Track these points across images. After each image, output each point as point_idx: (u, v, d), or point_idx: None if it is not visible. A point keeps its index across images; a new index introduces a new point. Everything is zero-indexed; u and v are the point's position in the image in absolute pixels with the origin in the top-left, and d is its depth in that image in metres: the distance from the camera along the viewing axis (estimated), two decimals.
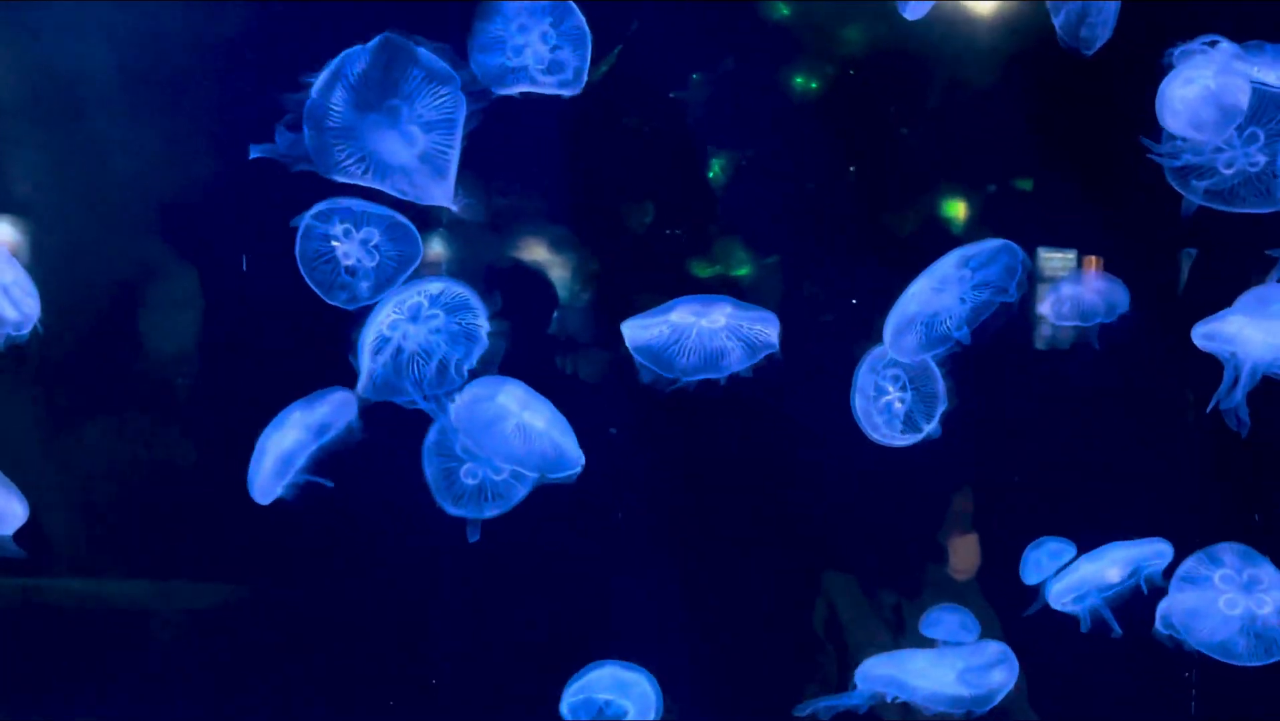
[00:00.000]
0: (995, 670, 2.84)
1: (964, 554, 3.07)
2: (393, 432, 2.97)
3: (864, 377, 2.90)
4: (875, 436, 2.87)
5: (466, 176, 2.94)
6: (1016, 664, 2.84)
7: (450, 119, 2.68)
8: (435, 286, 2.78)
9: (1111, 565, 2.84)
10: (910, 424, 2.88)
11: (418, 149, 2.69)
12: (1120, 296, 2.99)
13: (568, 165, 3.14)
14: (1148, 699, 3.07)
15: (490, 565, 3.10)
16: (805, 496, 3.15)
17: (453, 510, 2.89)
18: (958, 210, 3.15)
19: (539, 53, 2.75)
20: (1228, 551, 2.79)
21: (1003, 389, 3.16)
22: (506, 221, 3.14)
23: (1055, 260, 3.12)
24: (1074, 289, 3.03)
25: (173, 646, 3.24)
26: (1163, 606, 2.81)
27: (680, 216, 3.20)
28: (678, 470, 3.21)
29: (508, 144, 3.01)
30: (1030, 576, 2.93)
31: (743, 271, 3.22)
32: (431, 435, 2.91)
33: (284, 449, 2.81)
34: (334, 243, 2.78)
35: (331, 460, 2.97)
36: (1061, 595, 2.85)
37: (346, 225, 2.77)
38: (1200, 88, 2.55)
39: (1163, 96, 2.58)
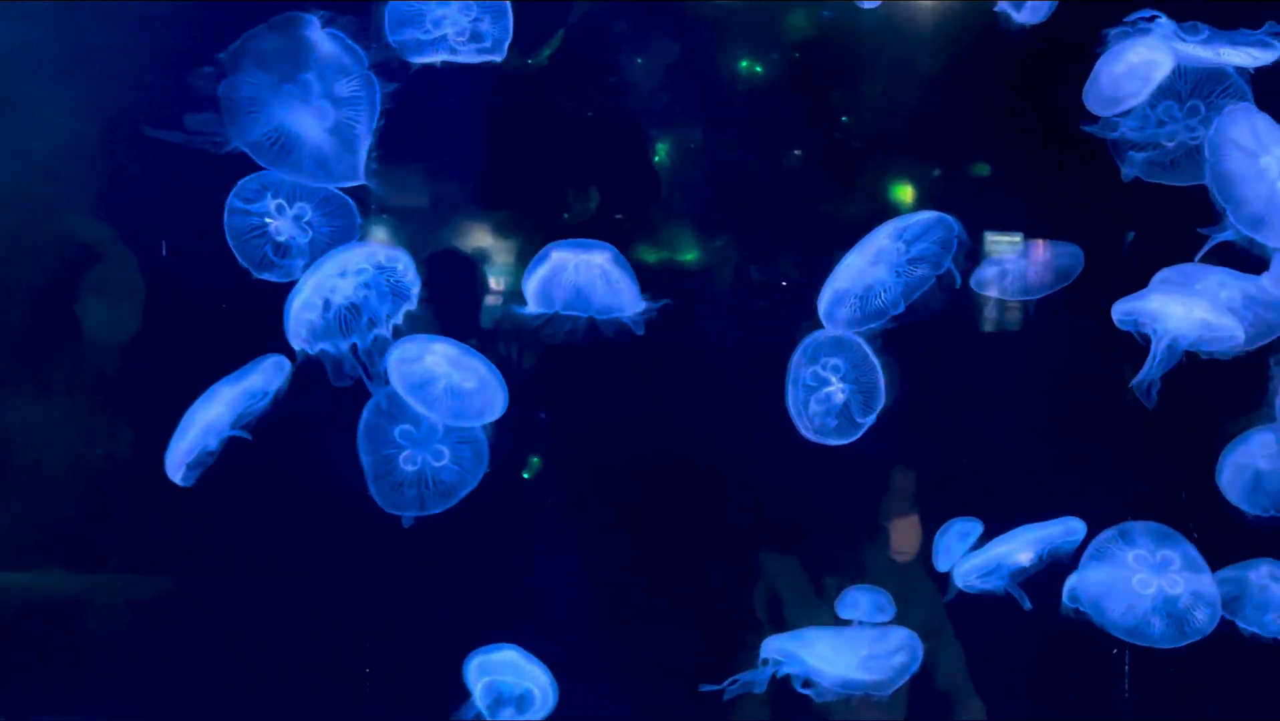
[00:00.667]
0: (897, 656, 2.88)
1: (905, 535, 3.08)
2: (327, 418, 2.99)
3: (802, 370, 2.92)
4: (808, 434, 2.90)
5: (410, 162, 3.00)
6: (920, 651, 2.88)
7: (359, 95, 2.69)
8: (366, 248, 2.78)
9: (1024, 547, 2.88)
10: (846, 417, 2.89)
11: (328, 122, 2.67)
12: (1072, 262, 3.02)
13: (513, 151, 3.14)
14: (1084, 675, 3.10)
15: (423, 551, 3.08)
16: (746, 477, 3.16)
17: (392, 497, 2.88)
18: (905, 194, 3.16)
19: (458, 23, 2.73)
20: (1141, 531, 2.85)
21: (944, 369, 3.18)
22: (450, 208, 3.13)
23: (1002, 243, 3.15)
24: (1018, 262, 3.05)
25: (108, 639, 3.23)
26: (1072, 581, 2.86)
27: (626, 202, 3.20)
28: (617, 455, 3.22)
29: (452, 130, 3.05)
30: (942, 563, 2.97)
31: (690, 256, 3.23)
32: (366, 420, 2.89)
33: (208, 421, 2.80)
34: (267, 219, 2.76)
35: (267, 452, 3.00)
36: (969, 575, 2.89)
37: (279, 201, 2.76)
38: (1125, 64, 2.68)
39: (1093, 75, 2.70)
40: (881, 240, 2.80)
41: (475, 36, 2.77)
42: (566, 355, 3.18)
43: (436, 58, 2.78)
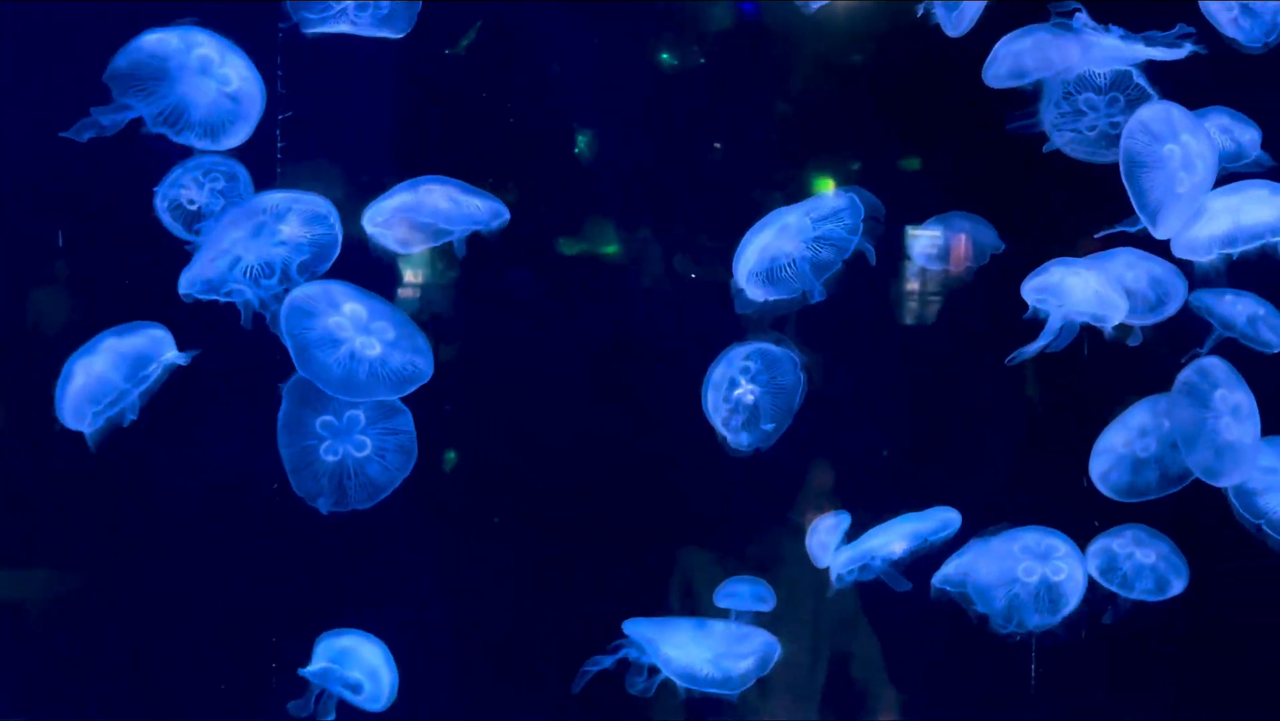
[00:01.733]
0: (747, 660, 2.91)
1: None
2: (247, 412, 2.96)
3: (719, 371, 2.95)
4: (723, 432, 2.92)
5: (326, 154, 3.00)
6: (775, 656, 2.93)
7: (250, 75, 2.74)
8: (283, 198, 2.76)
9: (898, 538, 2.93)
10: (754, 417, 2.93)
11: (229, 89, 2.71)
12: (990, 237, 3.06)
13: (432, 144, 3.12)
14: (994, 664, 3.16)
15: (338, 544, 3.06)
16: (665, 472, 3.17)
17: (312, 489, 2.84)
18: (827, 186, 3.18)
19: None
20: (1030, 523, 2.96)
21: (862, 363, 3.23)
22: (368, 200, 3.07)
23: (923, 238, 3.19)
24: (938, 227, 3.10)
25: (27, 636, 3.17)
26: (952, 567, 2.94)
27: (546, 193, 3.19)
28: (535, 451, 3.21)
29: (374, 123, 3.05)
30: (820, 560, 3.00)
31: (610, 249, 3.22)
32: (286, 413, 2.85)
33: (94, 373, 2.76)
34: (185, 193, 2.77)
35: (188, 447, 2.94)
36: (846, 565, 2.94)
37: (194, 174, 2.77)
38: (1023, 44, 2.78)
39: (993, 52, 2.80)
40: (790, 215, 2.83)
41: (375, 8, 2.77)
42: (485, 345, 3.21)
43: (336, 28, 2.78)
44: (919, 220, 3.16)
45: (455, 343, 3.20)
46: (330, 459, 2.86)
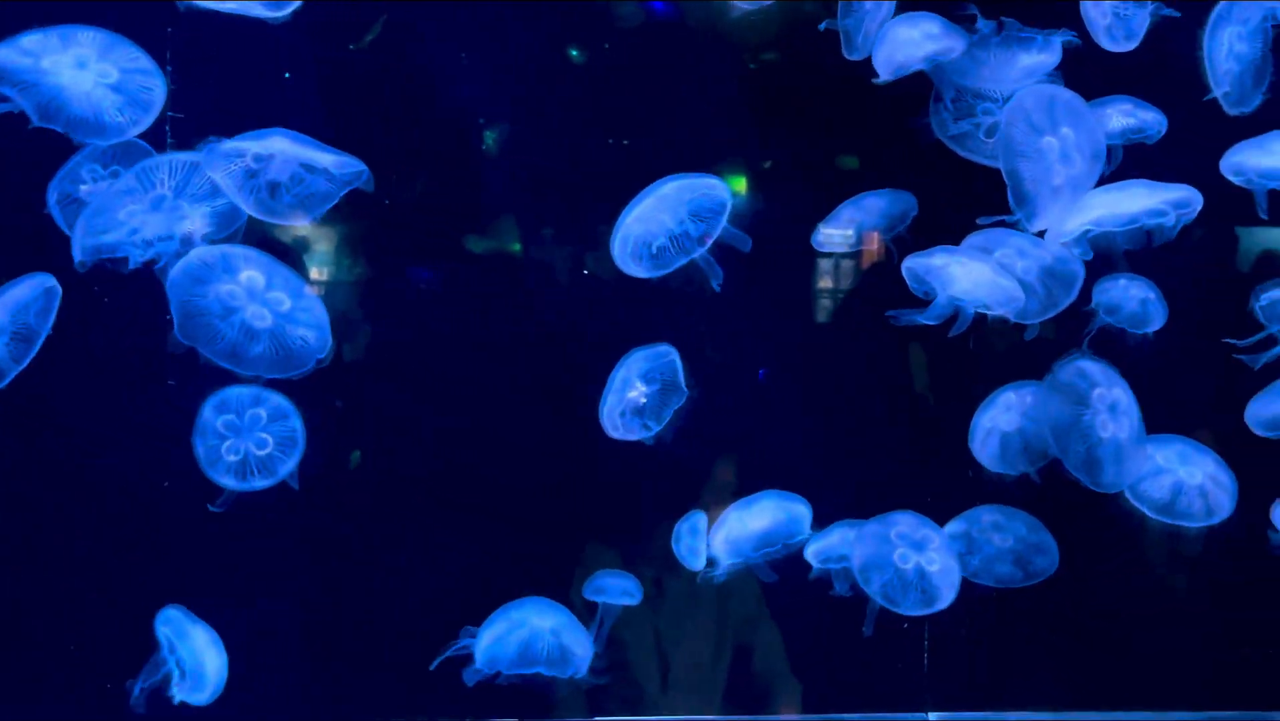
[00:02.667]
0: (578, 645, 2.96)
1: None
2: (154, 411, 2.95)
3: (617, 372, 2.96)
4: (613, 432, 2.94)
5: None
6: (589, 655, 2.97)
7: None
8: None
9: (757, 517, 3.00)
10: (650, 417, 2.94)
11: (109, 80, 2.69)
12: (900, 207, 3.09)
13: (335, 137, 2.99)
14: (890, 652, 3.23)
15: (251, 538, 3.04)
16: (566, 469, 3.16)
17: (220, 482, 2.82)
18: (739, 184, 3.20)
19: None
20: (903, 512, 3.03)
21: (763, 357, 3.26)
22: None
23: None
24: (852, 211, 3.12)
25: None
26: (828, 544, 3.01)
27: (452, 189, 3.17)
28: (436, 447, 3.19)
29: (278, 118, 2.93)
30: (691, 562, 3.04)
31: (517, 246, 3.22)
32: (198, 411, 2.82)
33: None
34: (83, 186, 2.71)
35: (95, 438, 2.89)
36: (721, 548, 2.99)
37: (91, 167, 2.74)
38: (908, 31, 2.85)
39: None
40: (667, 191, 2.84)
41: None
42: (391, 342, 3.18)
43: (222, 6, 2.77)
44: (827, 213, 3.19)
45: (360, 340, 3.17)
46: (232, 458, 2.83)
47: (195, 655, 2.86)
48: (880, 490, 3.12)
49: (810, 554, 3.04)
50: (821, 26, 2.92)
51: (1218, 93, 2.90)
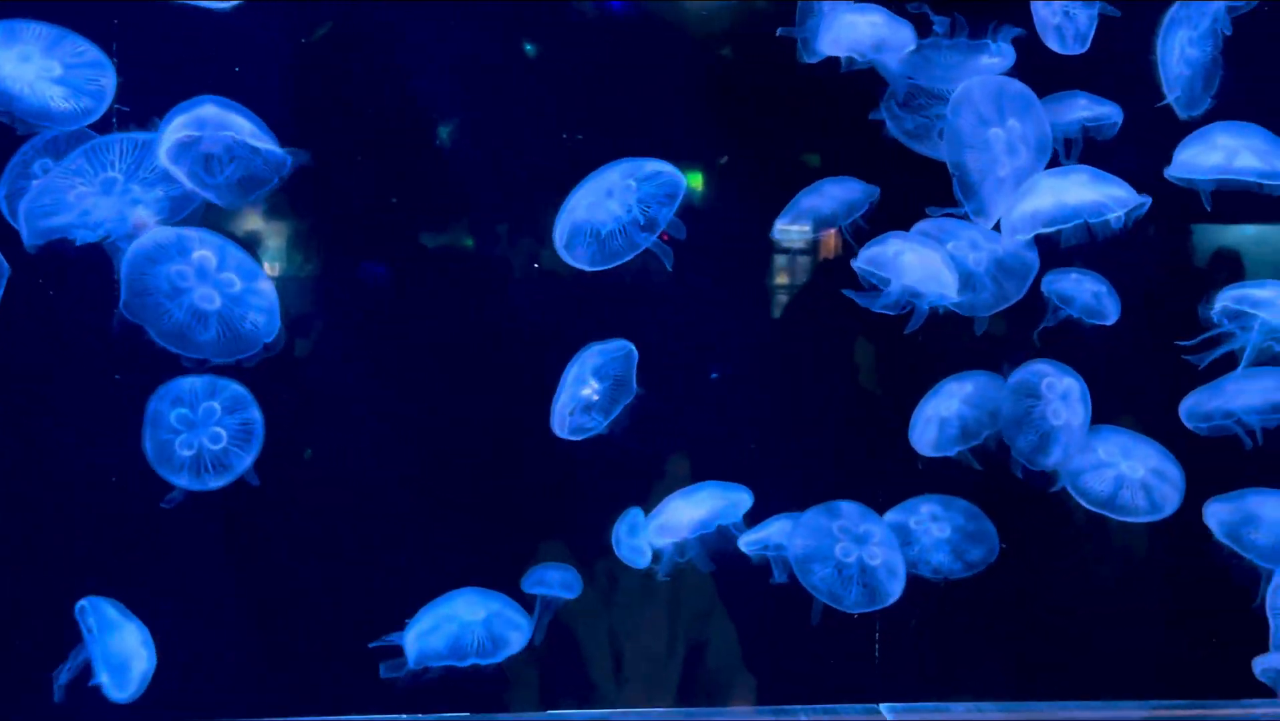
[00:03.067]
0: (515, 630, 2.96)
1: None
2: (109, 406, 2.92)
3: (570, 369, 2.94)
4: (560, 431, 2.93)
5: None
6: (526, 639, 2.96)
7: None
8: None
9: (694, 507, 2.99)
10: (599, 413, 2.95)
11: (53, 75, 2.68)
12: (857, 195, 3.07)
13: (291, 132, 2.98)
14: (842, 645, 3.24)
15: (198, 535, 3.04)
16: (521, 462, 3.16)
17: (174, 480, 2.80)
18: (695, 181, 3.21)
19: None
20: (845, 505, 3.03)
21: (718, 352, 3.26)
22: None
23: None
24: (812, 199, 3.11)
25: None
26: (767, 533, 3.01)
27: (406, 185, 3.15)
28: (394, 443, 3.18)
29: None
30: (636, 562, 3.04)
31: (470, 242, 3.21)
32: (151, 406, 2.79)
33: None
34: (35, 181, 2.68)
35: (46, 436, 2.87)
36: (658, 534, 2.99)
37: (45, 161, 2.72)
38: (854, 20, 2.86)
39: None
40: (614, 176, 2.84)
41: None
42: (343, 339, 3.17)
43: None
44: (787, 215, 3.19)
45: (313, 336, 3.15)
46: (186, 453, 2.81)
47: (121, 650, 2.83)
48: (829, 483, 3.13)
49: (746, 543, 3.03)
50: (779, 32, 2.93)
51: (1171, 98, 2.94)
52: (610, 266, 2.88)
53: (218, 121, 2.65)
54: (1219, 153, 2.88)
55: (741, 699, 3.28)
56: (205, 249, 2.69)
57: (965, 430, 3.03)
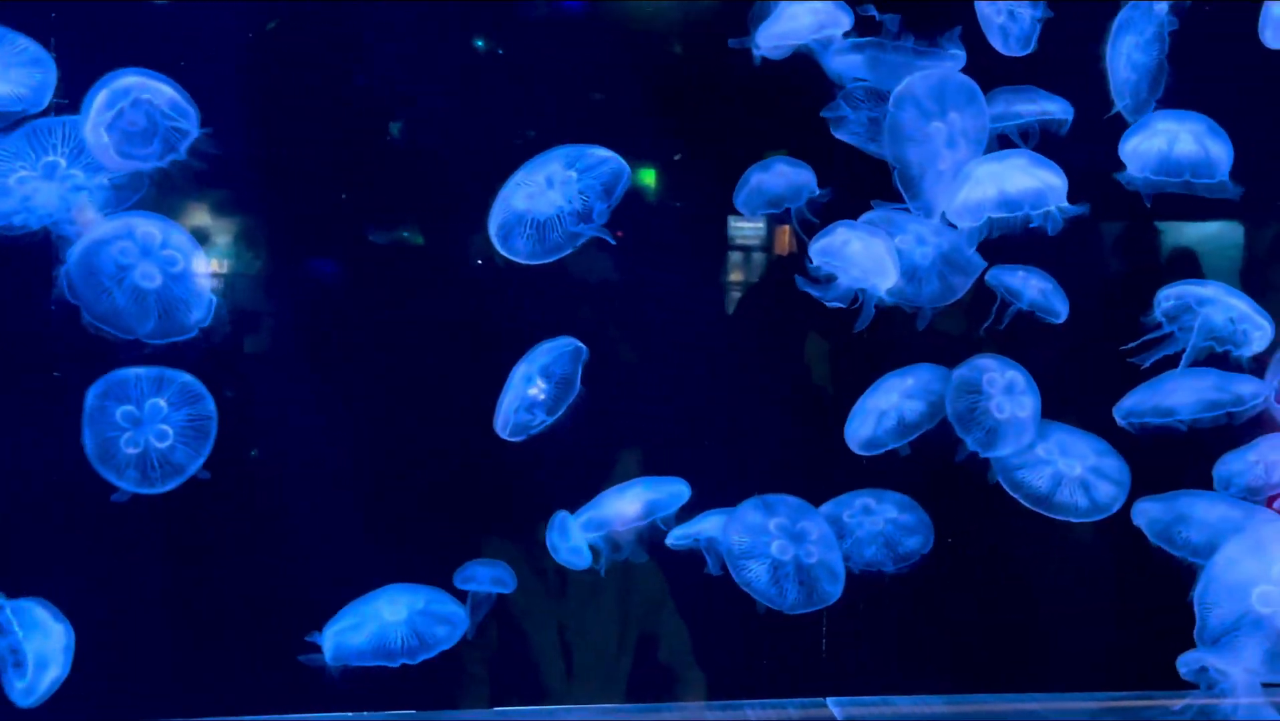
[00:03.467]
0: (444, 625, 2.92)
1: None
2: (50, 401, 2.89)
3: (515, 370, 2.94)
4: (502, 432, 2.92)
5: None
6: (461, 631, 2.92)
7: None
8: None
9: (632, 502, 2.97)
10: (542, 410, 2.93)
11: None
12: (808, 178, 3.05)
13: (238, 128, 3.03)
14: (790, 640, 3.28)
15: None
16: (467, 460, 3.15)
17: (119, 480, 2.76)
18: (648, 177, 3.22)
19: None
20: (782, 502, 2.99)
21: (670, 350, 3.28)
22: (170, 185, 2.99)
23: (746, 228, 3.24)
24: (760, 175, 3.08)
25: None
26: (699, 528, 3.00)
27: (356, 181, 3.15)
28: (342, 440, 3.18)
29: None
30: (577, 563, 3.02)
31: (420, 239, 3.21)
32: (90, 402, 2.76)
33: None
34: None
35: None
36: (588, 527, 2.97)
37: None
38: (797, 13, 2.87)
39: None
40: (553, 164, 2.80)
41: None
42: (292, 335, 3.17)
43: None
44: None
45: (262, 333, 3.16)
46: (131, 451, 2.78)
47: (41, 653, 2.77)
48: (776, 480, 3.10)
49: (673, 537, 3.00)
50: (731, 44, 2.93)
51: (1120, 105, 2.97)
52: (550, 260, 2.85)
53: (140, 86, 2.63)
54: (1161, 138, 2.92)
55: (690, 694, 3.29)
56: (150, 225, 2.68)
57: (904, 424, 3.03)
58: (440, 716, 3.12)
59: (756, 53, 2.90)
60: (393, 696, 3.05)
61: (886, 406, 3.04)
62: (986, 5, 2.90)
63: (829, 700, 3.26)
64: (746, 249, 3.31)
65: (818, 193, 3.02)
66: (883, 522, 3.07)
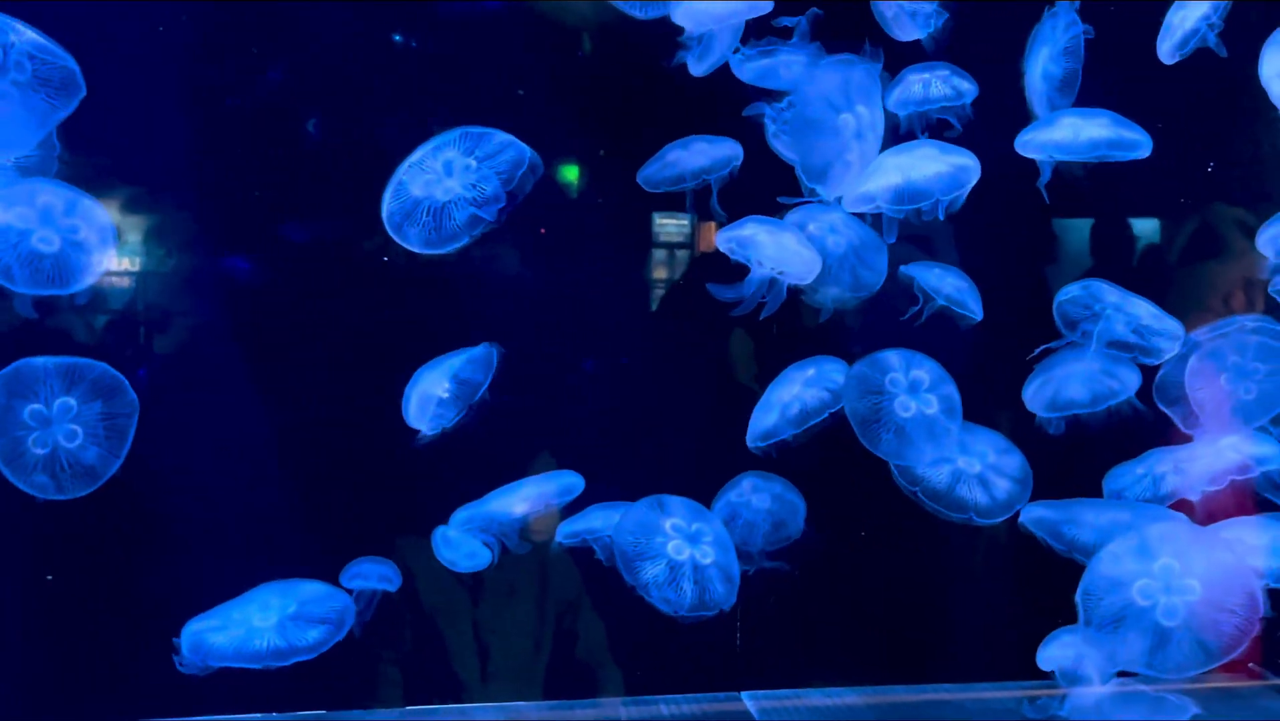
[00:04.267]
0: (315, 629, 2.87)
1: (540, 518, 3.07)
2: None
3: (425, 370, 2.92)
4: (416, 427, 2.90)
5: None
6: (346, 628, 2.88)
7: None
8: None
9: (521, 500, 2.94)
10: (452, 409, 2.91)
11: None
12: (732, 150, 3.02)
13: (147, 126, 3.02)
14: (702, 633, 3.17)
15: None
16: (374, 460, 3.12)
17: (26, 481, 2.71)
18: (572, 174, 3.21)
19: None
20: (677, 502, 2.94)
21: (586, 345, 3.26)
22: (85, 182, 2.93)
23: (671, 225, 3.23)
24: (678, 152, 3.04)
25: None
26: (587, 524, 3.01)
27: (269, 178, 3.11)
28: (253, 442, 3.16)
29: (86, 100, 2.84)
30: (476, 564, 3.00)
31: (334, 236, 3.17)
32: None
33: None
34: None
35: None
36: (466, 522, 2.94)
37: None
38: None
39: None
40: (451, 151, 2.73)
41: None
42: (195, 336, 3.13)
43: None
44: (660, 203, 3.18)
45: (172, 331, 3.11)
46: (40, 451, 2.74)
47: None
48: (688, 480, 3.09)
49: (563, 534, 2.99)
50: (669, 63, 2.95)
51: (1038, 115, 3.01)
52: (446, 250, 2.79)
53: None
54: (1066, 130, 2.94)
55: (607, 691, 3.29)
56: (52, 193, 2.65)
57: (805, 412, 3.01)
58: (351, 716, 3.10)
59: (691, 65, 2.94)
60: (303, 696, 3.03)
61: (789, 398, 3.03)
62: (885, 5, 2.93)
63: (743, 694, 3.28)
64: (670, 245, 3.29)
65: (738, 163, 3.00)
66: (769, 500, 3.07)
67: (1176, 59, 2.96)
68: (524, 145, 2.75)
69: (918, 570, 3.39)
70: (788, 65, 2.95)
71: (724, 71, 2.98)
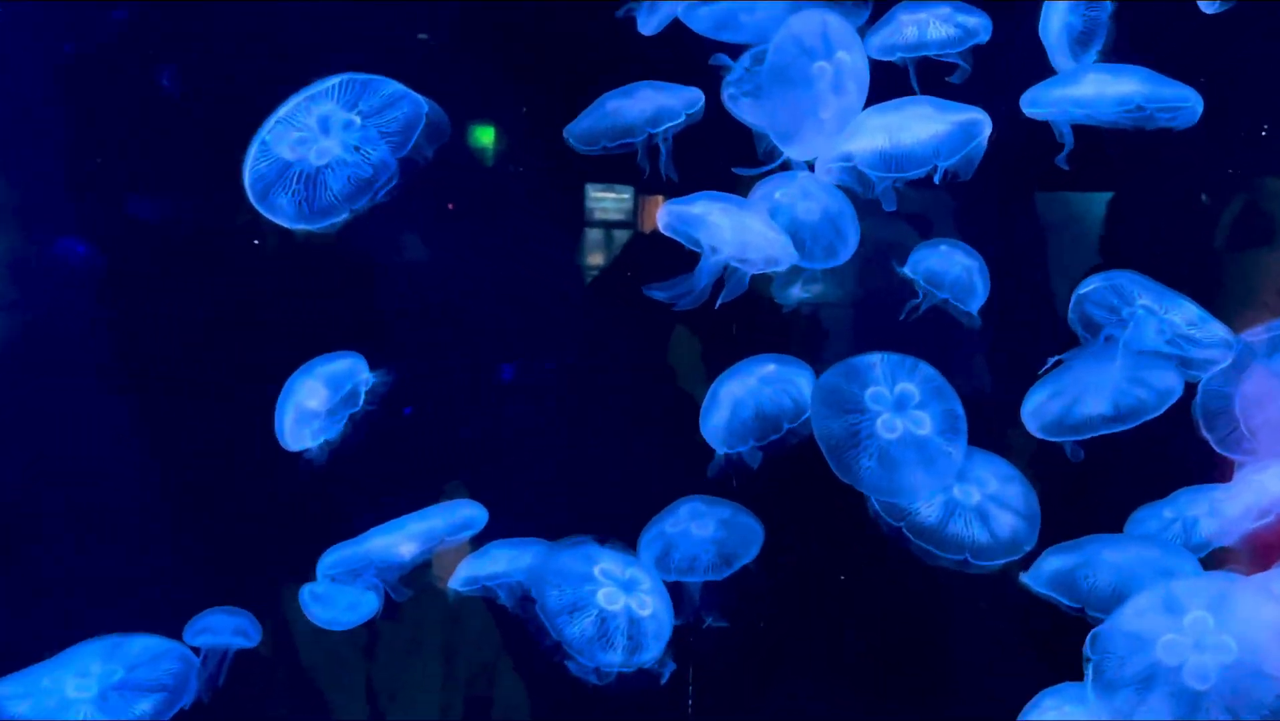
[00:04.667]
0: (148, 699, 2.58)
1: (445, 559, 2.83)
2: None
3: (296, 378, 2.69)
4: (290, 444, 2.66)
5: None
6: (190, 694, 2.64)
7: None
8: None
9: (407, 540, 2.72)
10: (328, 421, 2.68)
11: None
12: (689, 98, 2.77)
13: (83, 128, 2.89)
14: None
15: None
16: (241, 478, 2.94)
17: None
18: (487, 137, 3.08)
19: None
20: (609, 550, 2.73)
21: (504, 342, 3.09)
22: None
23: (608, 200, 3.09)
24: (618, 101, 2.80)
25: None
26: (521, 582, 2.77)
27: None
28: (98, 447, 2.97)
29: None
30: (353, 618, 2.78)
31: (190, 213, 3.04)
32: None
33: None
34: None
35: None
36: (333, 567, 2.72)
37: None
38: None
39: None
40: (328, 104, 2.46)
41: None
42: (30, 327, 2.97)
43: None
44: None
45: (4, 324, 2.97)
46: None
47: None
48: (615, 507, 2.90)
49: (459, 581, 2.73)
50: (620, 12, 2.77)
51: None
52: (322, 224, 2.47)
53: None
54: (1089, 86, 2.70)
55: None
56: None
57: (760, 414, 2.78)
58: None
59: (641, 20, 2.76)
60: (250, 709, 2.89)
61: (741, 393, 2.80)
62: None
63: None
64: (608, 224, 3.15)
65: (682, 119, 2.77)
66: (712, 528, 2.82)
67: (1218, 7, 2.71)
68: (421, 98, 2.46)
69: (902, 622, 3.18)
70: (750, 9, 2.74)
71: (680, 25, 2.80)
